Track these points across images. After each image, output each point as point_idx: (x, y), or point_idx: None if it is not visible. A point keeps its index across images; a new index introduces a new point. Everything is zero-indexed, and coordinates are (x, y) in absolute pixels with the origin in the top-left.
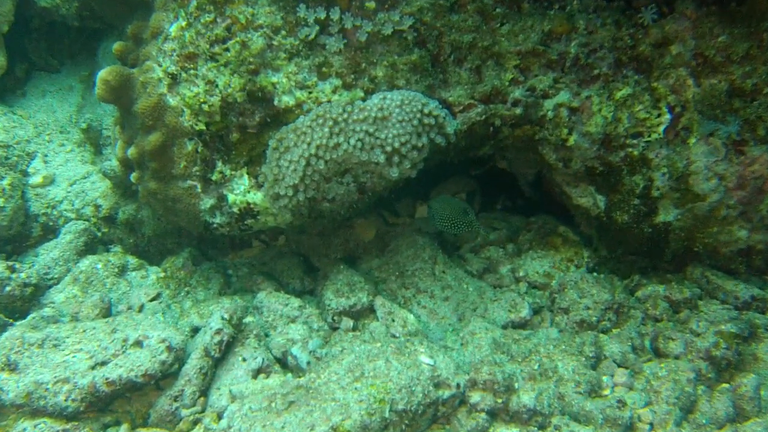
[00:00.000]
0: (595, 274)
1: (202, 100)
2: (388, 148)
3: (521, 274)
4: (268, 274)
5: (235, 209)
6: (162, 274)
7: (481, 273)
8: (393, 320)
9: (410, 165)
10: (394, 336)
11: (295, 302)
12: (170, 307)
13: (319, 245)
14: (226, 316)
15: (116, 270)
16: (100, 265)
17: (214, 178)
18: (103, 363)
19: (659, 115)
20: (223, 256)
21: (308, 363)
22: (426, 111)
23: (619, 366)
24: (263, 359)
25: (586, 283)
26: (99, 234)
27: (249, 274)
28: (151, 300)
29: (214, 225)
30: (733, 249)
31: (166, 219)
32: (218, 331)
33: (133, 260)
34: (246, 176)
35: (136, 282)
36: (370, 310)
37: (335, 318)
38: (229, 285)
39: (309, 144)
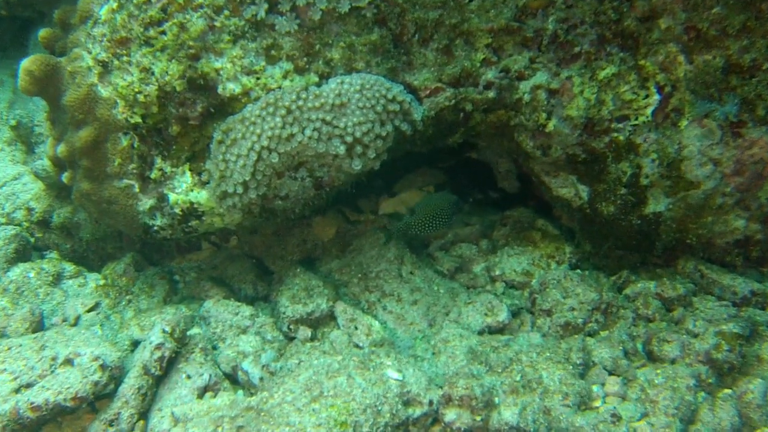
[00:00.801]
0: (578, 271)
1: (136, 89)
2: (349, 138)
3: (497, 272)
4: (217, 279)
5: (177, 210)
6: (102, 282)
7: (453, 273)
8: (356, 328)
9: (374, 156)
10: (357, 346)
11: (247, 310)
12: (110, 318)
13: (274, 246)
14: (167, 328)
15: (50, 278)
16: (32, 274)
17: (152, 176)
18: (29, 385)
19: (647, 96)
20: (169, 260)
21: (261, 379)
22: (390, 96)
23: (610, 373)
24: (210, 376)
25: (570, 281)
26: (32, 239)
27: (197, 280)
28: (89, 310)
29: (155, 228)
30: (729, 240)
31: (102, 222)
32: (158, 346)
33: (69, 267)
34: (188, 173)
35: (72, 291)
36: (331, 317)
37: (291, 327)
38: (175, 292)
39: (259, 136)
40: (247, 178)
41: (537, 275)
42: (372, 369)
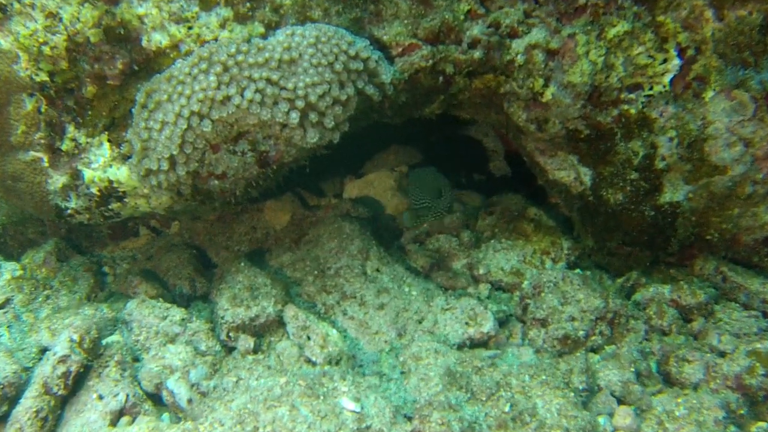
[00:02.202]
0: (579, 271)
1: (41, 40)
2: (300, 103)
3: (481, 271)
4: (150, 273)
5: (95, 189)
6: (19, 273)
7: (429, 270)
8: (308, 338)
9: (331, 125)
10: (309, 361)
11: (177, 314)
12: (20, 318)
13: (219, 234)
14: (75, 336)
15: None
16: None
17: (64, 147)
18: None
19: (665, 61)
20: (100, 247)
21: (189, 401)
22: (352, 52)
23: (619, 401)
24: (127, 395)
25: (569, 284)
26: None
27: (126, 273)
28: None
29: (68, 211)
30: (757, 237)
31: (8, 203)
32: (63, 359)
33: None
34: (106, 144)
35: None
36: (279, 324)
37: (231, 335)
38: (102, 287)
39: (189, 98)
40: (174, 152)
41: (529, 275)
42: (323, 396)
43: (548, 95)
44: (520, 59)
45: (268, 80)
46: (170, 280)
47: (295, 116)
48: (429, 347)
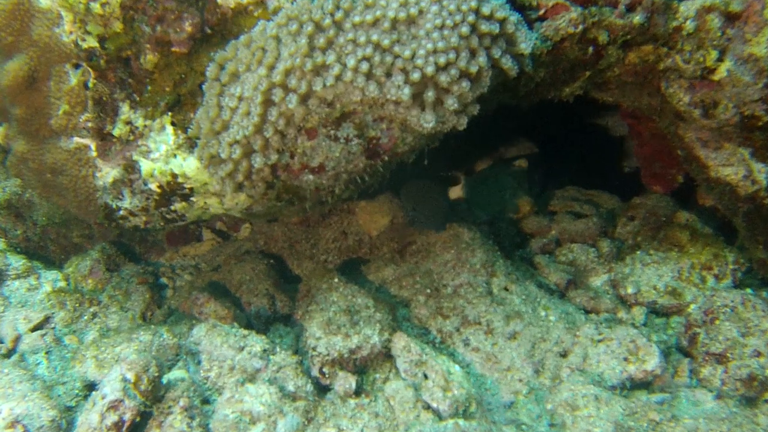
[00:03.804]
0: (749, 290)
1: None
2: (416, 75)
3: (630, 290)
4: (218, 286)
5: (154, 185)
6: (61, 284)
7: (564, 288)
8: (426, 376)
9: (455, 106)
10: (429, 407)
11: (257, 343)
12: (62, 342)
13: (301, 241)
14: (129, 375)
15: None
16: None
17: (116, 132)
18: None
19: None
20: (156, 254)
21: None
22: (485, 11)
23: None
24: None
25: (751, 309)
26: None
27: (190, 287)
28: (34, 328)
29: (121, 212)
30: None
31: (48, 200)
32: (114, 405)
33: (16, 261)
34: (170, 128)
35: (17, 297)
36: (386, 357)
37: (325, 371)
38: (159, 302)
39: (271, 67)
40: (248, 134)
41: (689, 296)
42: None
43: (722, 71)
44: (689, 26)
45: (378, 46)
46: (244, 296)
47: (408, 92)
48: (586, 392)
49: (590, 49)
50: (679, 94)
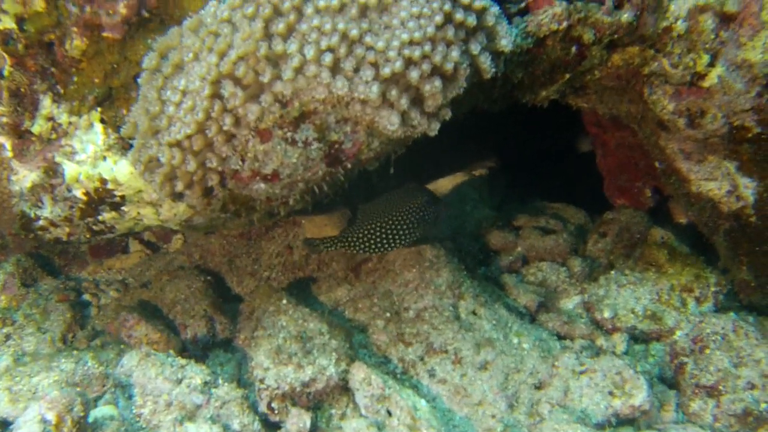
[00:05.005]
0: (733, 314)
1: None
2: (387, 70)
3: (606, 314)
4: (148, 306)
5: (80, 192)
6: None
7: (535, 311)
8: (389, 412)
9: (434, 107)
10: None
11: (197, 374)
12: None
13: (241, 255)
14: (50, 416)
15: None
16: None
17: (36, 129)
18: None
19: None
20: (79, 267)
21: None
22: (463, 0)
23: None
24: None
25: (744, 337)
26: None
27: (117, 306)
28: None
29: (40, 222)
30: None
31: None
32: None
33: None
34: (99, 126)
35: None
36: (343, 390)
37: (275, 406)
38: (82, 323)
39: (222, 54)
40: (189, 131)
41: (670, 321)
42: None
43: (713, 78)
44: (680, 26)
45: (345, 34)
46: (179, 318)
47: (376, 90)
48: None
49: (573, 48)
50: (663, 101)
